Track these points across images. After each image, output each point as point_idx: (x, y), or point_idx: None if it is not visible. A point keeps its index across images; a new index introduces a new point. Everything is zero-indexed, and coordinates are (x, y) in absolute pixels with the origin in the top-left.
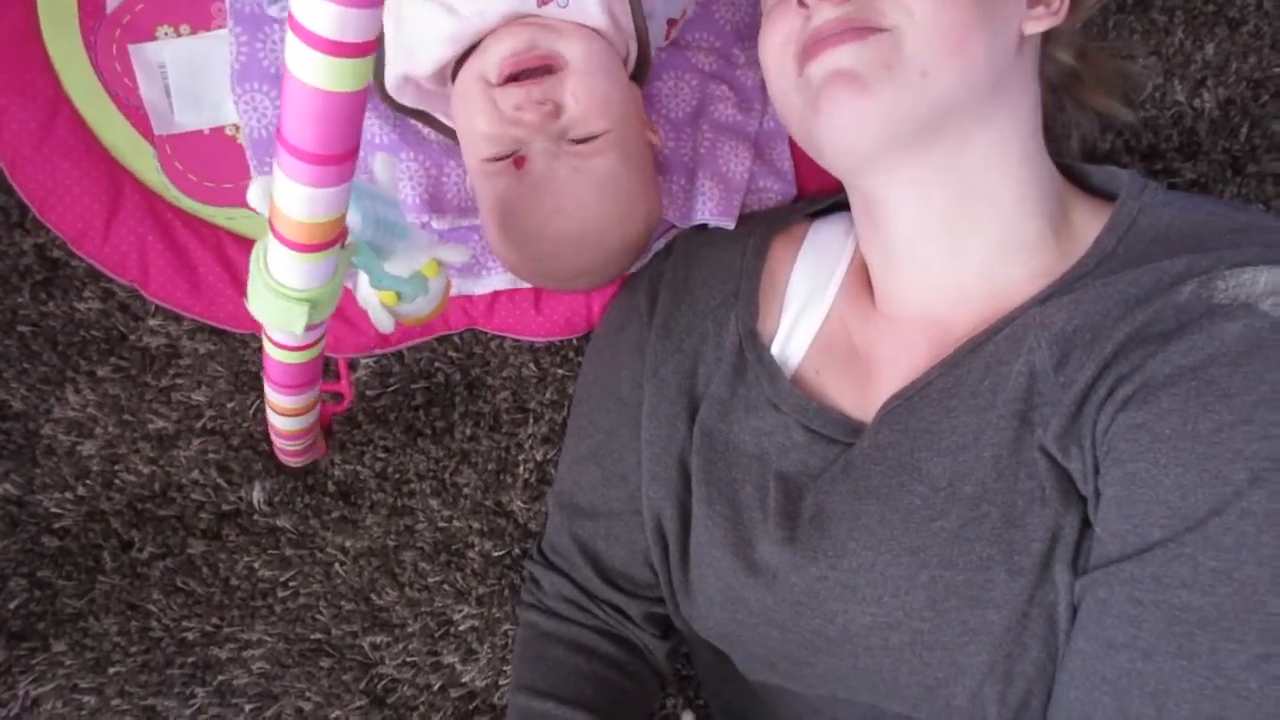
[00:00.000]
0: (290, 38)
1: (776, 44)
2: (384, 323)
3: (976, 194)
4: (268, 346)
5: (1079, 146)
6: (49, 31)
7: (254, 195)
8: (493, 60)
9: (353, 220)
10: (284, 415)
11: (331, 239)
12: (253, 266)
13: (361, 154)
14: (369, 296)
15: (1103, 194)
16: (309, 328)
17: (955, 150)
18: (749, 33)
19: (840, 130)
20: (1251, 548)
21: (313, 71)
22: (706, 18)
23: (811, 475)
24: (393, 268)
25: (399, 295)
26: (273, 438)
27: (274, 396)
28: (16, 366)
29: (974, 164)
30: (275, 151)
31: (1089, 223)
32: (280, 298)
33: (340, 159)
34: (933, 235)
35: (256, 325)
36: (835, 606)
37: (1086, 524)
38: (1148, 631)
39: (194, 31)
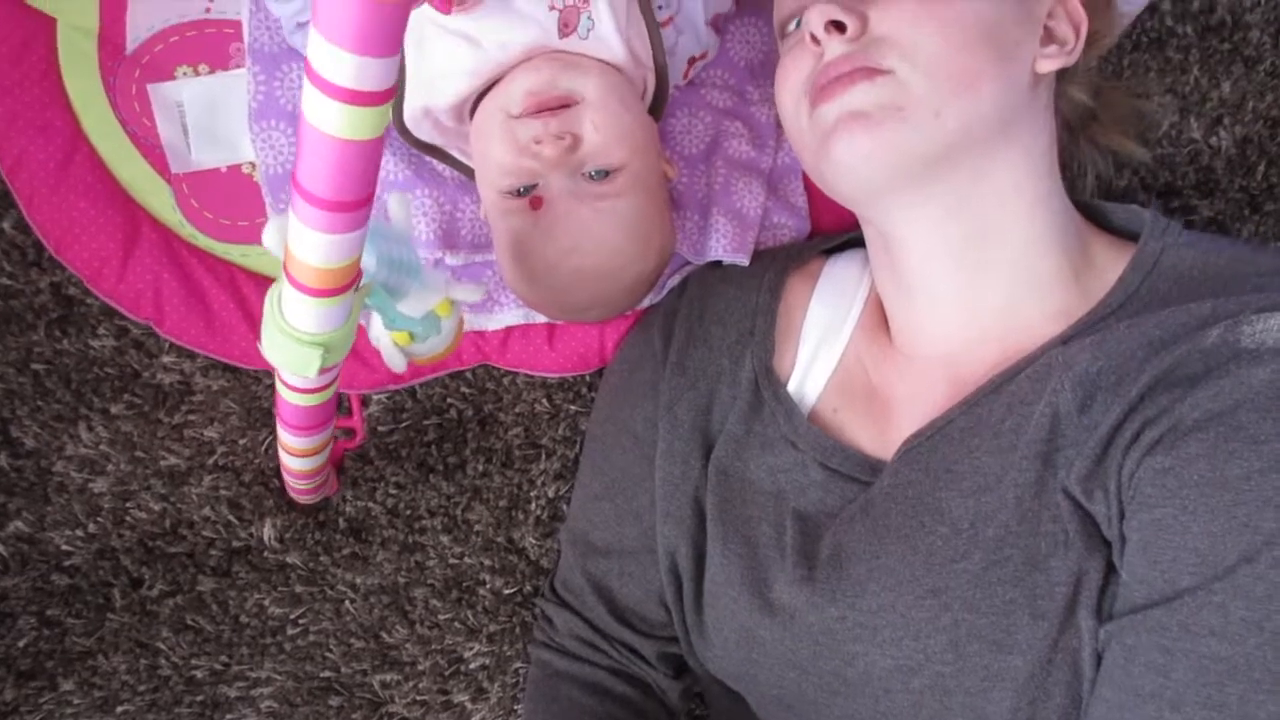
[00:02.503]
0: (307, 86)
1: (791, 84)
2: (397, 363)
3: (991, 231)
4: (280, 389)
5: (1094, 184)
6: (68, 71)
7: (269, 237)
8: (514, 95)
9: (367, 262)
10: (296, 456)
11: (346, 284)
12: (266, 310)
13: (376, 192)
14: (381, 336)
15: (1123, 233)
16: (322, 371)
17: (968, 186)
18: (763, 70)
19: (850, 166)
20: None
21: (330, 120)
22: (721, 55)
23: (829, 514)
24: (406, 308)
25: (412, 335)
26: (284, 476)
27: (286, 437)
28: (30, 404)
29: (988, 200)
30: (290, 197)
31: (1110, 261)
32: (294, 341)
33: (356, 205)
34: (948, 272)
35: (269, 363)
36: (855, 648)
37: (1111, 569)
38: (1176, 681)
39: (212, 71)
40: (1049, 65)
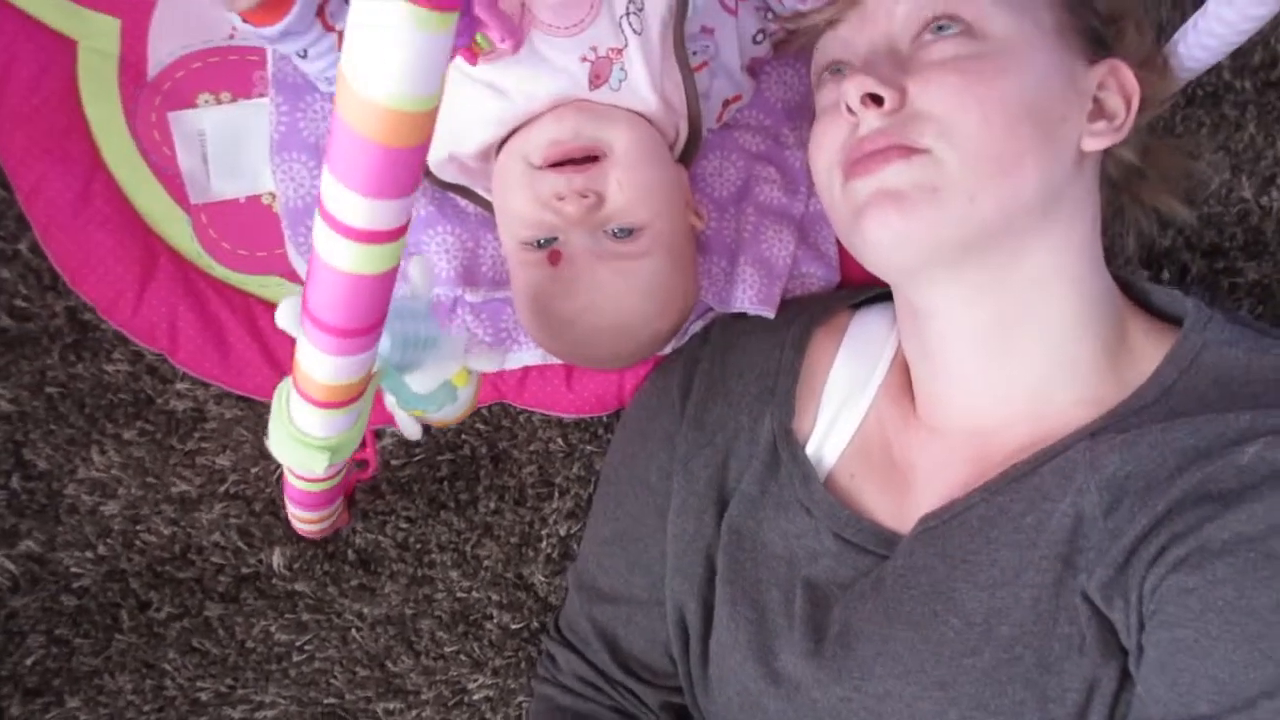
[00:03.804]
0: (319, 222)
1: (825, 151)
2: (411, 431)
3: (1026, 312)
4: (288, 476)
5: (1136, 243)
6: (88, 97)
7: (283, 317)
8: (537, 144)
9: (382, 345)
10: (305, 522)
11: (354, 396)
12: (275, 409)
13: None
14: (396, 407)
15: (1164, 315)
16: (329, 467)
17: (1004, 267)
18: (799, 112)
19: (880, 247)
20: None
21: (342, 258)
22: (757, 96)
23: (841, 585)
24: (423, 378)
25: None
26: (293, 521)
27: (296, 512)
28: (43, 427)
29: (1024, 281)
30: (301, 319)
31: (1148, 348)
32: (301, 445)
33: (365, 331)
34: (978, 350)
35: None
36: None
37: (1126, 675)
38: None
39: (234, 99)
40: (1096, 144)
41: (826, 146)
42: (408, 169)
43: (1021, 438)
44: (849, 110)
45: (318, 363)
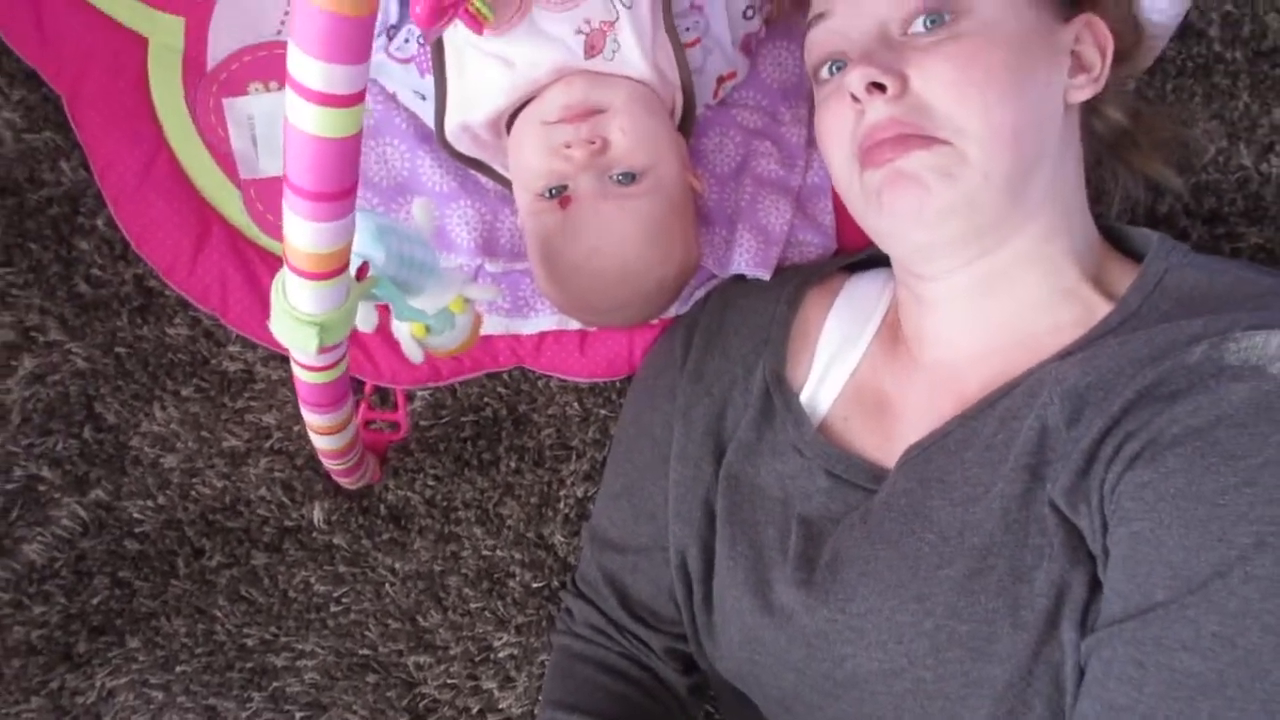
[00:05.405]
0: (288, 90)
1: (837, 140)
2: (413, 353)
3: (1016, 256)
4: (294, 368)
5: (1121, 206)
6: (156, 85)
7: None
8: (551, 106)
9: (375, 255)
10: (319, 434)
11: (336, 268)
12: (273, 292)
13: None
14: (399, 327)
15: (1138, 256)
16: (322, 350)
17: (1003, 228)
18: (795, 92)
19: (902, 218)
20: (1255, 614)
21: (306, 120)
22: (753, 77)
23: (833, 519)
24: (421, 303)
25: (427, 328)
26: (322, 460)
27: (307, 415)
28: (112, 383)
29: (1020, 234)
30: (283, 193)
31: (1119, 282)
32: (294, 321)
33: (336, 197)
34: (970, 295)
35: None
36: (844, 650)
37: (1097, 583)
38: (1149, 694)
39: (281, 87)
40: (1080, 96)
41: (837, 135)
42: (358, 36)
43: (1000, 368)
44: (854, 99)
45: (299, 231)
